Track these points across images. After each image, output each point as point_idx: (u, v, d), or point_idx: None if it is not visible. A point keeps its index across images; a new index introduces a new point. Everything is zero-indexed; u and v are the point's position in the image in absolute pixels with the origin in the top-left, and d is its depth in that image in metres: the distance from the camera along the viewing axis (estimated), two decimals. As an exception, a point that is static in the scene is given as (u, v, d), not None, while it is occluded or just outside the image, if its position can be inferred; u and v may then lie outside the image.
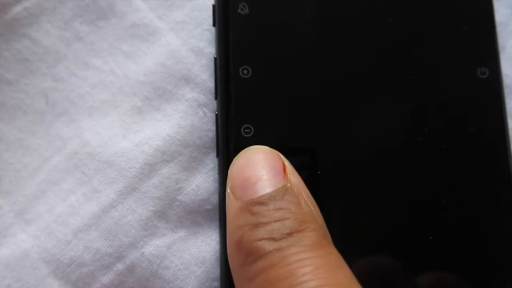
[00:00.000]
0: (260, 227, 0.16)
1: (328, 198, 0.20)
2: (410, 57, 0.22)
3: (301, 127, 0.21)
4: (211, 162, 0.22)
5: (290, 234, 0.15)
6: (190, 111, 0.22)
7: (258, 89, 0.21)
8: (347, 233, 0.20)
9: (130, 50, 0.23)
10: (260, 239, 0.15)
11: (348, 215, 0.20)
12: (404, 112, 0.21)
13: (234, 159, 0.18)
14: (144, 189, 0.21)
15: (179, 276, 0.20)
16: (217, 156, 0.21)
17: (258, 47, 0.21)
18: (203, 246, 0.21)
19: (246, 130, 0.21)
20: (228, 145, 0.20)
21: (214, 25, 0.22)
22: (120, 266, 0.20)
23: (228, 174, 0.18)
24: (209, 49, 0.23)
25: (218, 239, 0.21)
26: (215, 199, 0.21)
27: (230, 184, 0.17)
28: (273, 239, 0.15)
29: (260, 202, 0.16)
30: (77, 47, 0.23)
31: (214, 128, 0.22)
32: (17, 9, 0.23)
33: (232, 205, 0.17)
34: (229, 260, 0.17)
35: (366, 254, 0.20)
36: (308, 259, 0.15)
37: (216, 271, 0.21)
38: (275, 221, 0.16)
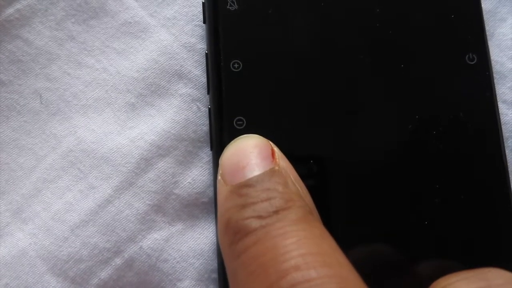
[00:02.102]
0: (247, 207, 0.16)
1: (321, 186, 0.20)
2: (398, 45, 0.22)
3: (292, 118, 0.21)
4: (206, 156, 0.22)
5: (276, 212, 0.16)
6: (184, 106, 0.22)
7: (249, 82, 0.21)
8: (344, 223, 0.20)
9: (122, 48, 0.23)
10: (247, 218, 0.16)
11: (342, 204, 0.20)
12: (393, 100, 0.22)
13: (224, 149, 0.18)
14: (140, 183, 0.21)
15: (177, 269, 0.20)
16: (211, 149, 0.21)
17: (248, 42, 0.22)
18: (200, 239, 0.21)
19: (238, 123, 0.21)
20: (221, 138, 0.21)
21: (204, 22, 0.22)
22: (118, 261, 0.20)
23: (219, 162, 0.18)
24: (201, 45, 0.23)
25: (215, 231, 0.21)
26: (210, 192, 0.21)
27: (220, 172, 0.18)
28: (260, 217, 0.15)
29: (248, 184, 0.16)
30: (69, 46, 0.23)
31: (207, 122, 0.22)
32: (9, 11, 0.23)
33: (222, 190, 0.17)
34: (220, 243, 0.17)
35: (364, 245, 0.20)
36: (292, 231, 0.15)
37: (214, 263, 0.21)
38: (262, 201, 0.16)
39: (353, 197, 0.20)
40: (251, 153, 0.17)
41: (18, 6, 0.23)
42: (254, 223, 0.15)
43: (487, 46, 0.22)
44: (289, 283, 0.14)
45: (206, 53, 0.22)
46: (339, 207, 0.20)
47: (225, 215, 0.16)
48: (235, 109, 0.21)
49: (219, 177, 0.17)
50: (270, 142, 0.18)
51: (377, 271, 0.20)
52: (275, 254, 0.14)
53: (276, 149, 0.18)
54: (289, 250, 0.14)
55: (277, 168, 0.17)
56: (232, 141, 0.19)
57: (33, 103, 0.22)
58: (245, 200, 0.16)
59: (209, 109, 0.21)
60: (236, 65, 0.21)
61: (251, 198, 0.16)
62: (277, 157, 0.17)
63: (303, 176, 0.19)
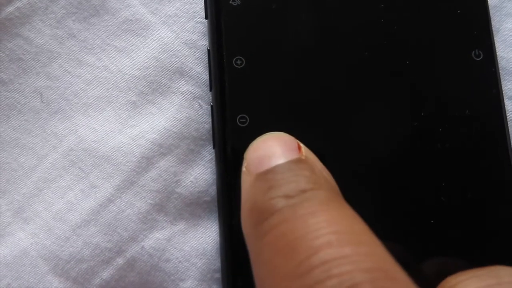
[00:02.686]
0: (273, 188, 0.15)
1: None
2: (403, 41, 0.22)
3: (296, 115, 0.21)
4: (208, 154, 0.22)
5: (303, 191, 0.15)
6: (186, 104, 0.22)
7: (252, 78, 0.21)
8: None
9: (123, 46, 0.23)
10: (273, 198, 0.15)
11: (348, 202, 0.20)
12: (399, 96, 0.21)
13: (250, 144, 0.18)
14: (142, 182, 0.21)
15: (180, 269, 0.20)
16: (214, 147, 0.21)
17: (250, 38, 0.21)
18: (203, 238, 0.21)
19: (241, 120, 0.20)
20: (224, 136, 0.20)
21: (206, 17, 0.22)
22: (120, 261, 0.20)
23: (244, 156, 0.18)
24: (202, 42, 0.23)
25: (218, 231, 0.21)
26: (213, 190, 0.21)
27: (245, 164, 0.17)
28: (287, 196, 0.15)
29: (274, 171, 0.16)
30: (70, 44, 0.23)
31: (210, 120, 0.22)
32: (9, 9, 0.23)
33: (246, 180, 0.17)
34: (243, 229, 0.16)
35: None
36: (322, 210, 0.14)
37: (217, 263, 0.20)
38: (289, 182, 0.15)
39: (359, 195, 0.20)
40: (277, 145, 0.17)
41: (18, 4, 0.23)
42: (281, 203, 0.15)
43: (494, 42, 0.22)
44: (321, 259, 0.13)
45: (208, 49, 0.22)
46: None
47: (249, 199, 0.16)
48: (238, 107, 0.20)
49: (243, 169, 0.17)
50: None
51: None
52: (304, 231, 0.14)
53: (302, 144, 0.18)
54: (320, 228, 0.14)
55: (303, 157, 0.17)
56: (258, 137, 0.19)
57: (33, 102, 0.22)
58: (271, 183, 0.16)
59: (212, 106, 0.21)
60: (238, 62, 0.21)
61: (277, 181, 0.15)
62: (303, 150, 0.17)
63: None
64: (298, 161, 0.16)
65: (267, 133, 0.19)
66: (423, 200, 0.20)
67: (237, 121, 0.20)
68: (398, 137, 0.21)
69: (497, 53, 0.23)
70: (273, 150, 0.17)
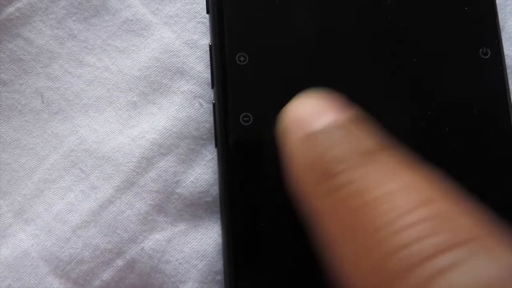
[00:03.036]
0: (338, 146, 0.14)
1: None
2: (409, 39, 0.21)
3: None
4: (209, 154, 0.21)
5: (373, 151, 0.14)
6: (186, 103, 0.22)
7: (256, 76, 0.21)
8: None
9: (124, 46, 0.22)
10: (338, 156, 0.14)
11: None
12: (404, 95, 0.21)
13: (286, 108, 0.17)
14: (142, 183, 0.20)
15: (180, 271, 0.20)
16: (216, 146, 0.21)
17: (254, 33, 0.21)
18: (204, 239, 0.20)
19: (244, 119, 0.20)
20: (227, 134, 0.20)
21: (207, 12, 0.21)
22: (120, 262, 0.20)
23: (284, 117, 0.17)
24: (203, 41, 0.23)
25: (220, 232, 0.20)
26: (214, 191, 0.21)
27: (287, 121, 0.16)
28: (355, 155, 0.14)
29: (335, 127, 0.15)
30: (70, 45, 0.23)
31: (211, 119, 0.22)
32: (10, 9, 0.23)
33: (297, 137, 0.16)
34: (299, 182, 0.15)
35: None
36: (400, 169, 0.14)
37: (218, 264, 0.20)
38: (355, 140, 0.15)
39: None
40: (328, 103, 0.16)
41: (18, 4, 0.23)
42: (348, 162, 0.14)
43: (501, 40, 0.22)
44: (407, 221, 0.12)
45: (210, 45, 0.21)
46: None
47: (308, 155, 0.15)
48: (242, 105, 0.20)
49: (287, 128, 0.16)
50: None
51: None
52: (380, 193, 0.13)
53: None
54: (397, 190, 0.13)
55: (360, 116, 0.16)
56: (301, 96, 0.17)
57: (34, 102, 0.22)
58: (334, 141, 0.15)
59: (213, 104, 0.21)
60: (242, 58, 0.21)
61: (340, 138, 0.15)
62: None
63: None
64: (359, 120, 0.15)
65: (311, 92, 0.17)
66: None
67: (241, 120, 0.20)
68: (404, 136, 0.21)
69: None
70: (321, 107, 0.16)
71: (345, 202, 0.14)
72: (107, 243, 0.20)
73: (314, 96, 0.17)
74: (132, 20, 0.23)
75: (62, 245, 0.20)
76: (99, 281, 0.20)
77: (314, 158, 0.15)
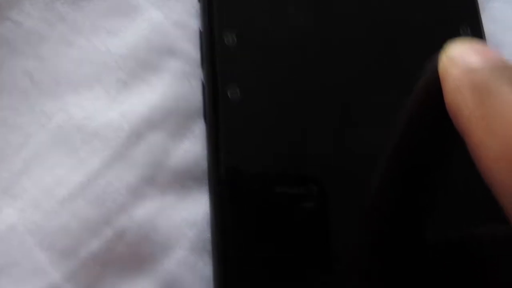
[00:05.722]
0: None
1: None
2: (390, 18, 0.22)
3: (287, 88, 0.21)
4: (198, 129, 0.22)
5: None
6: (175, 81, 0.22)
7: (244, 52, 0.21)
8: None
9: (112, 27, 0.23)
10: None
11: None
12: (388, 73, 0.22)
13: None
14: (131, 156, 0.21)
15: (170, 239, 0.20)
16: (205, 120, 0.21)
17: (243, 12, 0.22)
18: (193, 209, 0.20)
19: (232, 93, 0.21)
20: (215, 109, 0.21)
21: None
22: (108, 232, 0.20)
23: (445, 57, 0.16)
24: (193, 22, 0.23)
25: (209, 203, 0.20)
26: (204, 164, 0.21)
27: (448, 60, 0.16)
28: None
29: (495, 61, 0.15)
30: (59, 27, 0.23)
31: (200, 97, 0.22)
32: (-2, -6, 0.23)
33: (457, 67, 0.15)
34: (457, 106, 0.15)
35: None
36: None
37: (208, 233, 0.20)
38: None
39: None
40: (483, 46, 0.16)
41: (7, -12, 0.23)
42: None
43: (480, 18, 0.23)
44: None
45: (199, 25, 0.22)
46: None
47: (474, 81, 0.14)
48: (229, 80, 0.21)
49: (450, 56, 0.16)
50: None
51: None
52: None
53: None
54: None
55: None
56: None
57: (23, 83, 0.22)
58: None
59: (202, 82, 0.21)
60: (230, 38, 0.21)
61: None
62: None
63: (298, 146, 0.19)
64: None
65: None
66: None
67: (228, 94, 0.21)
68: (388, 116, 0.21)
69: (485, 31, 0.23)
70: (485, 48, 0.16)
71: None
72: (95, 214, 0.20)
73: (470, 41, 0.16)
74: (120, 1, 0.23)
75: (49, 218, 0.20)
76: (86, 251, 0.19)
77: (471, 79, 0.14)
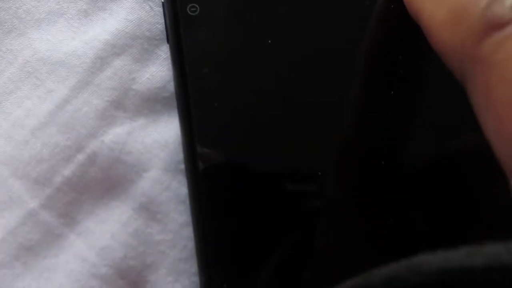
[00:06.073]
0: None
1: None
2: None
3: (248, 6, 0.21)
4: (163, 53, 0.22)
5: None
6: (137, 6, 0.22)
7: None
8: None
9: (70, -40, 0.23)
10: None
11: None
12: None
13: None
14: (97, 82, 0.21)
15: (142, 160, 0.20)
16: (168, 41, 0.21)
17: None
18: (164, 131, 0.20)
19: (192, 9, 0.21)
20: (176, 26, 0.20)
21: None
22: (80, 157, 0.20)
23: None
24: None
25: (179, 125, 0.20)
26: (171, 87, 0.21)
27: None
28: None
29: None
30: (18, -35, 0.23)
31: (162, 21, 0.22)
32: None
33: None
34: (438, 41, 0.14)
35: None
36: None
37: (181, 154, 0.20)
38: None
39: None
40: None
41: None
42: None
43: None
44: None
45: None
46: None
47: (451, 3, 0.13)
48: None
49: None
50: None
51: None
52: None
53: None
54: None
55: None
56: None
57: (-14, 24, 0.22)
58: None
59: (163, 3, 0.21)
60: None
61: None
62: None
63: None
64: None
65: None
66: None
67: (188, 10, 0.20)
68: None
69: None
70: None
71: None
72: (66, 140, 0.20)
73: None
74: None
75: (21, 147, 0.20)
76: (60, 177, 0.20)
77: (461, 8, 0.13)
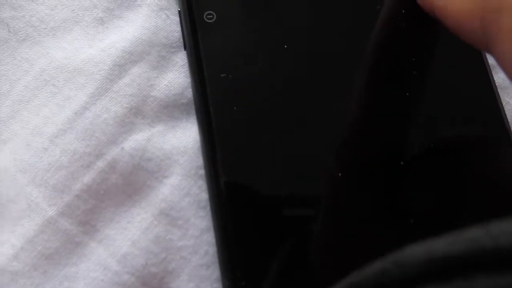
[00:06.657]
0: None
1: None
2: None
3: (263, 11, 0.21)
4: (180, 60, 0.22)
5: None
6: (153, 15, 0.22)
7: None
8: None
9: (85, -30, 0.23)
10: None
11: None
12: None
13: None
14: (116, 88, 0.21)
15: (162, 166, 0.20)
16: (185, 48, 0.21)
17: None
18: (183, 137, 0.20)
19: (208, 16, 0.21)
20: (193, 33, 0.21)
21: None
22: (100, 164, 0.20)
23: None
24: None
25: (198, 131, 0.20)
26: (189, 93, 0.21)
27: None
28: None
29: None
30: (31, -26, 0.23)
31: (178, 29, 0.22)
32: None
33: None
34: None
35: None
36: None
37: (200, 160, 0.20)
38: None
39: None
40: None
41: None
42: None
43: None
44: None
45: None
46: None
47: None
48: (204, 4, 0.21)
49: None
50: None
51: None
52: None
53: None
54: None
55: None
56: None
57: (1, 33, 0.22)
58: None
59: (179, 11, 0.21)
60: None
61: None
62: None
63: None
64: None
65: None
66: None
67: (205, 18, 0.21)
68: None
69: None
70: None
71: None
72: (86, 147, 0.20)
73: None
74: None
75: (40, 155, 0.20)
76: (79, 184, 0.19)
77: None
